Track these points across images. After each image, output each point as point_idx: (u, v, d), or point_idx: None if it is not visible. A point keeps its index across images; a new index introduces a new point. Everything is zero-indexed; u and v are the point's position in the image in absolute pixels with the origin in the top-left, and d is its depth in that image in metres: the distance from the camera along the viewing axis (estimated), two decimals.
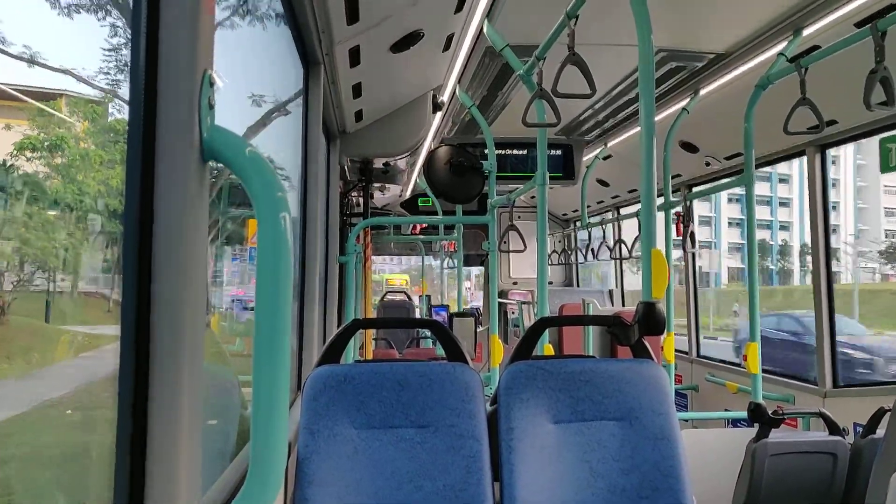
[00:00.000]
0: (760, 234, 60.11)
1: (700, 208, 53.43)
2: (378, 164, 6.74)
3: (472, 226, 9.22)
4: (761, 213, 60.76)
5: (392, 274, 30.61)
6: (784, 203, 59.77)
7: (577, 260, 9.52)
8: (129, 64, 1.14)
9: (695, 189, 6.64)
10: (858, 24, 3.48)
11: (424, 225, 10.55)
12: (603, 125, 6.51)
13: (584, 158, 7.11)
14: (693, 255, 6.69)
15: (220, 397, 2.71)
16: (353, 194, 7.69)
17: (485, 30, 3.90)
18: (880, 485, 2.45)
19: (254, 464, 1.06)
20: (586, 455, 2.56)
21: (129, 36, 1.16)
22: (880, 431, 3.09)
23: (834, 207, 60.49)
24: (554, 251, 9.91)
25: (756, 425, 3.44)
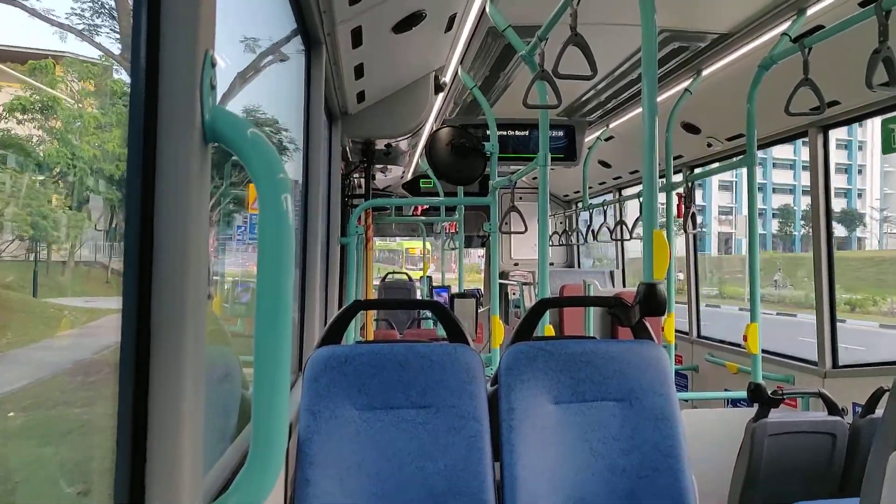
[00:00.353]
0: (784, 200, 59.11)
1: (722, 174, 52.48)
2: (380, 145, 6.73)
3: (474, 207, 9.21)
4: (784, 176, 60.11)
5: (411, 241, 31.01)
6: (808, 167, 58.63)
7: (578, 241, 9.52)
8: (130, 45, 1.14)
9: (696, 170, 6.62)
10: (862, 4, 3.46)
11: (426, 206, 10.53)
12: (605, 106, 6.48)
13: (586, 139, 7.09)
14: (694, 236, 6.69)
15: (221, 377, 2.72)
16: (354, 175, 7.67)
17: (487, 10, 3.88)
18: (879, 464, 2.46)
19: (255, 445, 1.07)
20: (586, 435, 2.58)
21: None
22: (879, 411, 3.10)
23: (860, 171, 59.78)
24: (555, 232, 9.91)
25: (756, 405, 3.45)
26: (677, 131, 5.65)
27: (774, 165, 58.83)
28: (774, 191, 58.77)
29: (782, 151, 57.07)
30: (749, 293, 4.41)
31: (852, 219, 55.95)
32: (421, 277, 11.43)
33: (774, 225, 58.95)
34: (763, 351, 4.50)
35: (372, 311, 7.19)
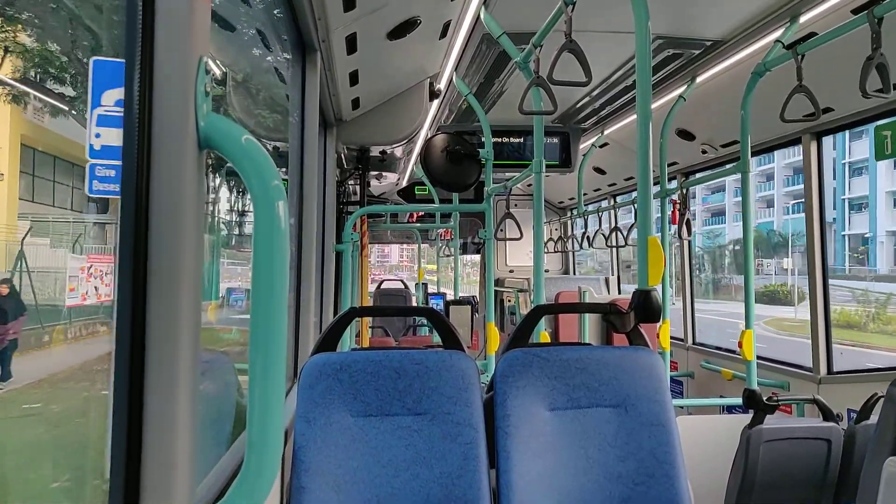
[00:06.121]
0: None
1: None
2: (375, 151, 6.74)
3: (469, 214, 9.22)
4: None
5: None
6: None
7: (573, 248, 9.53)
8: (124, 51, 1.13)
9: (691, 177, 6.64)
10: (855, 11, 3.48)
11: (421, 213, 10.54)
12: (599, 113, 6.49)
13: (581, 146, 7.11)
14: (689, 242, 6.70)
15: (217, 385, 2.71)
16: (349, 182, 7.68)
17: (482, 17, 3.89)
18: (874, 470, 2.47)
19: (250, 452, 1.07)
20: (582, 442, 2.57)
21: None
22: (874, 417, 3.11)
23: None
24: (550, 239, 9.92)
25: (751, 412, 3.45)
26: (672, 138, 5.67)
27: None
28: None
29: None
30: (745, 302, 4.42)
31: None
32: (417, 284, 11.43)
33: None
34: (758, 357, 4.51)
35: (367, 319, 7.18)
